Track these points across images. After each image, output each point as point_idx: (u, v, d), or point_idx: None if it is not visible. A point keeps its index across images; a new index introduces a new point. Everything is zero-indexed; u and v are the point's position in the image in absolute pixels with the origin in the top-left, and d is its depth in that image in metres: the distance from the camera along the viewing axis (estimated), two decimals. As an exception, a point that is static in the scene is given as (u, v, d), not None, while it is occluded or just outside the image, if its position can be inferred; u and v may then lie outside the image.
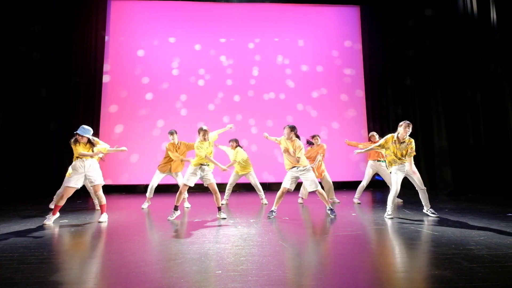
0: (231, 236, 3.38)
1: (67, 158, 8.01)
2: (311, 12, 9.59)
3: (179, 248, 2.95)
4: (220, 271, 2.29)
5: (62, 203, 4.28)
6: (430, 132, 7.91)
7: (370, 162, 5.97)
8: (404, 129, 4.32)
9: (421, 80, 8.41)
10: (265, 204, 5.98)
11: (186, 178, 4.53)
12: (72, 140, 4.37)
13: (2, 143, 7.33)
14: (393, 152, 4.38)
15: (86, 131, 4.39)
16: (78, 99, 8.45)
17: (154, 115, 8.80)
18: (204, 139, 4.53)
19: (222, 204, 5.73)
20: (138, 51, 9.05)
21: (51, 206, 5.43)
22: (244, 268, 2.36)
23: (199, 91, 9.03)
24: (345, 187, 8.64)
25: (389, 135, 4.48)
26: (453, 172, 7.25)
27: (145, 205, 5.66)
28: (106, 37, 8.97)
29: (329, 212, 4.54)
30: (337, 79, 9.41)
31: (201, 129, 4.54)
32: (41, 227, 3.94)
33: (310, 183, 4.51)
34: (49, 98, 8.08)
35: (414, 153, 4.38)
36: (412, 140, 4.40)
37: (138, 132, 8.64)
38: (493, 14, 6.97)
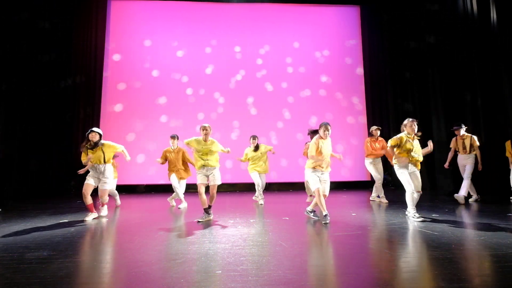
0: (231, 236, 3.38)
1: (67, 158, 8.05)
2: (311, 12, 9.59)
3: (179, 248, 2.95)
4: (220, 271, 2.29)
5: (88, 201, 4.52)
6: (430, 131, 7.92)
7: (369, 160, 5.98)
8: (410, 127, 4.37)
9: (421, 79, 8.42)
10: (261, 204, 5.86)
11: (198, 178, 4.47)
12: (84, 143, 4.62)
13: (2, 143, 7.34)
14: (408, 149, 4.31)
15: (96, 129, 4.69)
16: (78, 99, 8.46)
17: (154, 115, 8.80)
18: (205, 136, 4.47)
19: (261, 204, 5.82)
20: (138, 51, 9.04)
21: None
22: (244, 268, 2.35)
23: (199, 91, 9.03)
24: (346, 187, 8.64)
25: (400, 135, 4.42)
26: (453, 172, 7.24)
27: (182, 206, 5.72)
28: (106, 37, 8.98)
29: (322, 218, 4.30)
30: (337, 79, 9.41)
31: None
32: (41, 227, 3.94)
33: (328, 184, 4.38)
34: (49, 98, 8.09)
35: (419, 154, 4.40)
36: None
37: (138, 132, 8.64)
38: (493, 14, 6.97)
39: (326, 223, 4.02)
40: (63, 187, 7.89)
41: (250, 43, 9.35)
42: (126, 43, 9.04)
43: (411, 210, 4.27)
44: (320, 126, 4.28)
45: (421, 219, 4.09)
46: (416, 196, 4.29)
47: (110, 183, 4.75)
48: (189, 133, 8.16)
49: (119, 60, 8.97)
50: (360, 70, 9.48)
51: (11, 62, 7.57)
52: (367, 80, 9.35)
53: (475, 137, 5.84)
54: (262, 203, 5.90)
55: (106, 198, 4.76)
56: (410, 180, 4.26)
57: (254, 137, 6.10)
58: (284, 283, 2.05)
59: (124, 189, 8.23)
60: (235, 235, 3.43)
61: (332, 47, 9.51)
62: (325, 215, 4.09)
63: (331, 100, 9.30)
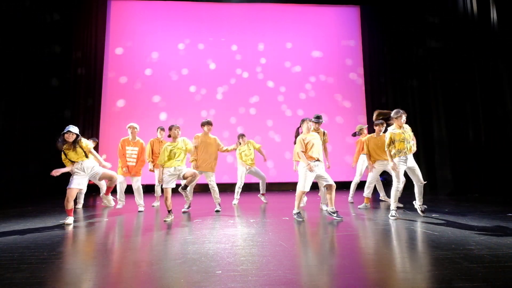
0: (231, 236, 3.38)
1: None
2: (311, 12, 9.59)
3: (179, 248, 2.95)
4: (220, 271, 2.28)
5: (70, 206, 4.23)
6: (430, 132, 7.92)
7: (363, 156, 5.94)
8: (399, 119, 4.29)
9: (421, 79, 8.42)
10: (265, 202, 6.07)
11: (165, 181, 4.40)
12: (60, 143, 4.23)
13: (2, 142, 7.33)
14: (403, 139, 4.23)
15: (72, 128, 4.29)
16: (78, 98, 8.47)
17: (153, 113, 8.81)
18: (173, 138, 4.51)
19: (234, 204, 5.98)
20: (138, 51, 9.05)
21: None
22: (244, 268, 2.35)
23: (199, 89, 9.04)
24: (346, 187, 8.63)
25: (388, 132, 4.34)
26: (453, 172, 7.25)
27: (155, 204, 5.90)
28: (106, 37, 8.98)
29: (334, 215, 4.33)
30: (337, 78, 9.41)
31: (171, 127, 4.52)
32: (41, 227, 3.93)
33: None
34: (49, 96, 8.09)
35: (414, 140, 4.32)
36: (409, 128, 4.40)
37: (138, 132, 8.63)
38: (493, 13, 6.97)
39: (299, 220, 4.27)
40: (63, 186, 7.89)
41: (249, 43, 9.35)
42: (126, 43, 9.05)
43: (393, 206, 4.31)
44: (303, 121, 4.43)
45: (395, 218, 4.19)
46: (419, 188, 4.38)
47: (99, 169, 4.50)
48: (192, 130, 8.15)
49: (119, 60, 8.98)
50: (360, 70, 9.48)
51: (10, 60, 7.57)
52: (367, 80, 9.35)
53: (327, 133, 5.32)
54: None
55: (113, 179, 4.60)
56: (401, 176, 4.29)
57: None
58: (284, 283, 2.05)
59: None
60: (235, 235, 3.42)
61: (332, 47, 9.51)
62: (297, 213, 4.35)
63: (330, 100, 9.30)
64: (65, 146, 4.25)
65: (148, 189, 8.00)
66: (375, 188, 5.84)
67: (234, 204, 6.01)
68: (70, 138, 4.24)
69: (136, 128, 5.41)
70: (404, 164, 4.28)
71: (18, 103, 7.63)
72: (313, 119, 5.10)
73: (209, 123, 5.21)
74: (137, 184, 5.36)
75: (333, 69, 9.43)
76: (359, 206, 5.40)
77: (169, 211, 4.42)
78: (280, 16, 9.51)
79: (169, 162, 4.43)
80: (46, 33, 8.18)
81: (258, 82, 9.22)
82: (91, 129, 8.43)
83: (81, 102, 8.47)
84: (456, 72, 7.46)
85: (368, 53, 9.39)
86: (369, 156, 5.40)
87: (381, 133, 5.43)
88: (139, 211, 5.24)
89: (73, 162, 4.29)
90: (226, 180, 8.58)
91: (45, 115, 7.99)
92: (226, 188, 8.35)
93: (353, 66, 9.50)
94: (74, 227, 4.00)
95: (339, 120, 9.19)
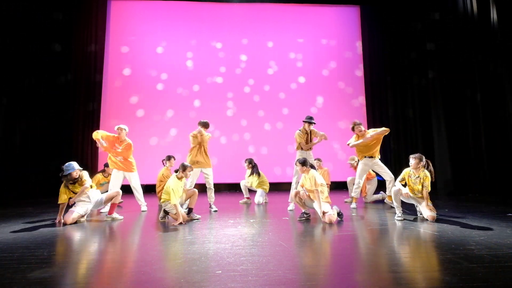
0: (231, 236, 3.38)
1: (66, 157, 8.03)
2: (311, 12, 9.59)
3: (179, 248, 2.95)
4: (220, 271, 2.28)
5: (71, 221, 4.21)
6: (430, 132, 7.92)
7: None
8: (413, 161, 4.13)
9: (421, 79, 8.43)
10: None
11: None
12: (65, 183, 4.21)
13: (2, 142, 7.32)
14: (410, 186, 4.21)
15: (69, 167, 4.22)
16: (79, 98, 8.46)
17: (153, 115, 8.81)
18: (184, 176, 4.32)
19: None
20: (138, 51, 9.05)
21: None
22: (244, 268, 2.35)
23: (198, 90, 9.04)
24: (346, 187, 8.62)
25: (404, 170, 4.29)
26: (453, 172, 7.25)
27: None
28: (106, 37, 8.98)
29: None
30: (337, 79, 9.41)
31: (182, 165, 4.29)
32: (41, 227, 3.93)
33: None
34: (49, 96, 8.08)
35: (429, 189, 4.05)
36: (428, 176, 4.07)
37: (138, 132, 8.63)
38: (493, 14, 6.97)
39: (299, 219, 4.27)
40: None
41: (250, 43, 9.35)
42: (126, 43, 9.05)
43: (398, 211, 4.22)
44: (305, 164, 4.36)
45: (401, 218, 4.13)
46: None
47: (102, 196, 4.48)
48: (190, 129, 8.14)
49: (119, 60, 8.98)
50: (360, 70, 9.48)
51: (10, 60, 7.56)
52: (367, 79, 9.35)
53: (314, 130, 5.27)
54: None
55: (116, 196, 4.48)
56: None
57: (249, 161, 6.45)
58: (284, 283, 2.05)
59: (124, 189, 8.20)
60: (235, 235, 3.42)
61: (332, 47, 9.51)
62: (302, 212, 4.35)
63: (330, 100, 9.30)
64: (69, 184, 4.22)
65: (149, 189, 8.01)
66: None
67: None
68: (75, 174, 4.24)
69: (124, 129, 5.13)
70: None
71: (18, 103, 7.62)
72: (305, 120, 5.15)
73: (205, 125, 5.24)
74: (133, 181, 5.27)
75: (332, 69, 9.43)
76: (345, 199, 5.45)
77: (166, 212, 4.40)
78: (280, 16, 9.51)
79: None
80: (46, 33, 8.17)
81: (256, 81, 9.21)
82: (91, 129, 8.41)
83: (81, 101, 8.46)
84: (456, 72, 7.46)
85: (368, 53, 9.39)
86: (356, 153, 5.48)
87: (363, 132, 5.33)
88: (143, 211, 5.23)
89: (74, 194, 4.25)
90: (227, 180, 8.58)
91: (45, 115, 7.98)
92: (229, 188, 8.36)
93: (353, 66, 9.50)
94: (74, 226, 3.99)
95: (338, 120, 9.18)
